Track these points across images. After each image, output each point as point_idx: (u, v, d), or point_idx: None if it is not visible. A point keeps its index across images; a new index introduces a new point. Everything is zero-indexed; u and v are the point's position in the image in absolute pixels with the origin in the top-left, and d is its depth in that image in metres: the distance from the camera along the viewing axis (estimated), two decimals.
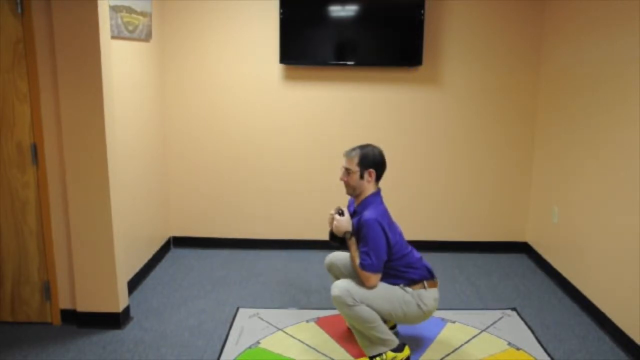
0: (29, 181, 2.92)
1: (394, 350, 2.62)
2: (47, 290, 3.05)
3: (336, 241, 2.84)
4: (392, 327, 2.96)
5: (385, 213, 2.67)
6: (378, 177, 2.72)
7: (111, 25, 3.01)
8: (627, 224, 2.90)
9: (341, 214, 2.73)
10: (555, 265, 3.79)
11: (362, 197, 2.70)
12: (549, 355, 2.83)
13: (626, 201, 2.91)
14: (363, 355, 2.68)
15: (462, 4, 3.97)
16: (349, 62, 3.99)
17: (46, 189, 2.93)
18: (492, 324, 3.14)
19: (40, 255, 3.00)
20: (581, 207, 3.42)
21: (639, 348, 2.77)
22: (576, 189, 3.49)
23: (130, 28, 3.36)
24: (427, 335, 3.00)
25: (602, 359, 2.81)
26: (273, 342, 2.91)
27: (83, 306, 3.04)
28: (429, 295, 2.68)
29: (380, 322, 2.59)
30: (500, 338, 2.98)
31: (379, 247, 2.57)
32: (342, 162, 2.74)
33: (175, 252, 4.26)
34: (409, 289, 2.66)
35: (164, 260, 4.09)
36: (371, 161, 2.67)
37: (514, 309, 3.35)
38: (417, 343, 2.91)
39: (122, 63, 3.29)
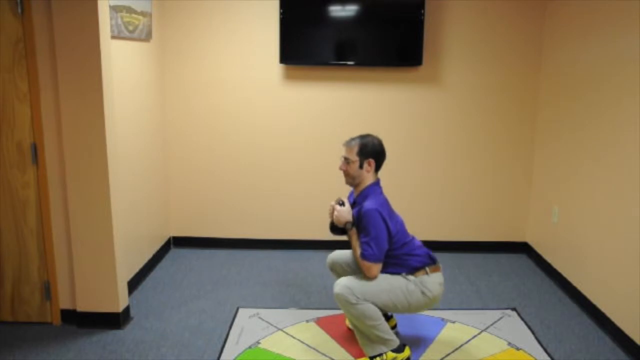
0: (29, 181, 2.92)
1: (394, 351, 2.61)
2: (47, 290, 3.05)
3: (337, 232, 2.84)
4: (393, 327, 2.96)
5: (385, 203, 2.67)
6: (378, 167, 2.72)
7: (111, 25, 3.01)
8: (627, 224, 2.90)
9: (341, 204, 2.73)
10: (555, 265, 3.79)
11: (362, 187, 2.70)
12: (549, 355, 2.83)
13: (626, 201, 2.92)
14: (363, 355, 2.68)
15: (462, 4, 3.97)
16: (349, 62, 3.99)
17: (46, 189, 2.93)
18: (492, 324, 3.14)
19: (40, 255, 3.01)
20: (581, 207, 3.42)
21: (639, 348, 2.77)
22: (576, 189, 3.49)
23: (130, 28, 3.36)
24: (427, 335, 3.00)
25: (602, 359, 2.81)
26: (273, 342, 2.91)
27: (83, 306, 3.04)
28: (432, 280, 2.66)
29: (383, 321, 2.59)
30: (500, 338, 2.99)
31: (379, 237, 2.56)
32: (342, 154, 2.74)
33: (175, 252, 4.26)
34: (411, 277, 2.64)
35: (164, 260, 4.10)
36: (371, 151, 2.67)
37: (514, 309, 3.35)
38: (417, 343, 2.91)
39: (122, 63, 3.29)
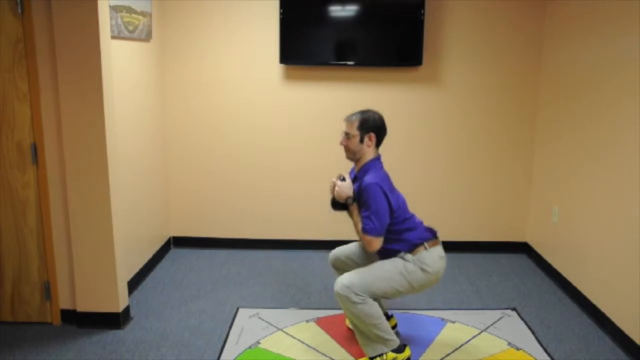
0: (29, 181, 2.92)
1: (394, 351, 2.61)
2: (47, 290, 3.05)
3: (338, 208, 2.82)
4: (393, 327, 2.96)
5: (386, 177, 2.66)
6: (378, 142, 2.71)
7: (111, 25, 3.01)
8: (627, 224, 2.90)
9: (342, 180, 2.72)
10: (555, 265, 3.79)
11: (362, 162, 2.70)
12: (549, 355, 2.83)
13: (626, 201, 2.92)
14: (363, 355, 2.68)
15: (462, 4, 3.98)
16: (349, 62, 3.99)
17: (46, 189, 2.93)
18: (492, 324, 3.14)
19: (40, 255, 3.00)
20: (581, 207, 3.42)
21: (639, 348, 2.77)
22: (576, 189, 3.49)
23: (130, 28, 3.36)
24: (427, 335, 3.00)
25: (602, 359, 2.81)
26: (273, 342, 2.91)
27: (83, 306, 3.04)
28: (431, 255, 2.64)
29: (383, 320, 2.59)
30: (500, 338, 2.99)
31: (380, 211, 2.55)
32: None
33: (175, 252, 4.26)
34: (408, 256, 2.62)
35: (164, 260, 4.09)
36: (371, 125, 2.66)
37: (514, 309, 3.35)
38: (417, 343, 2.91)
39: (122, 63, 3.29)
